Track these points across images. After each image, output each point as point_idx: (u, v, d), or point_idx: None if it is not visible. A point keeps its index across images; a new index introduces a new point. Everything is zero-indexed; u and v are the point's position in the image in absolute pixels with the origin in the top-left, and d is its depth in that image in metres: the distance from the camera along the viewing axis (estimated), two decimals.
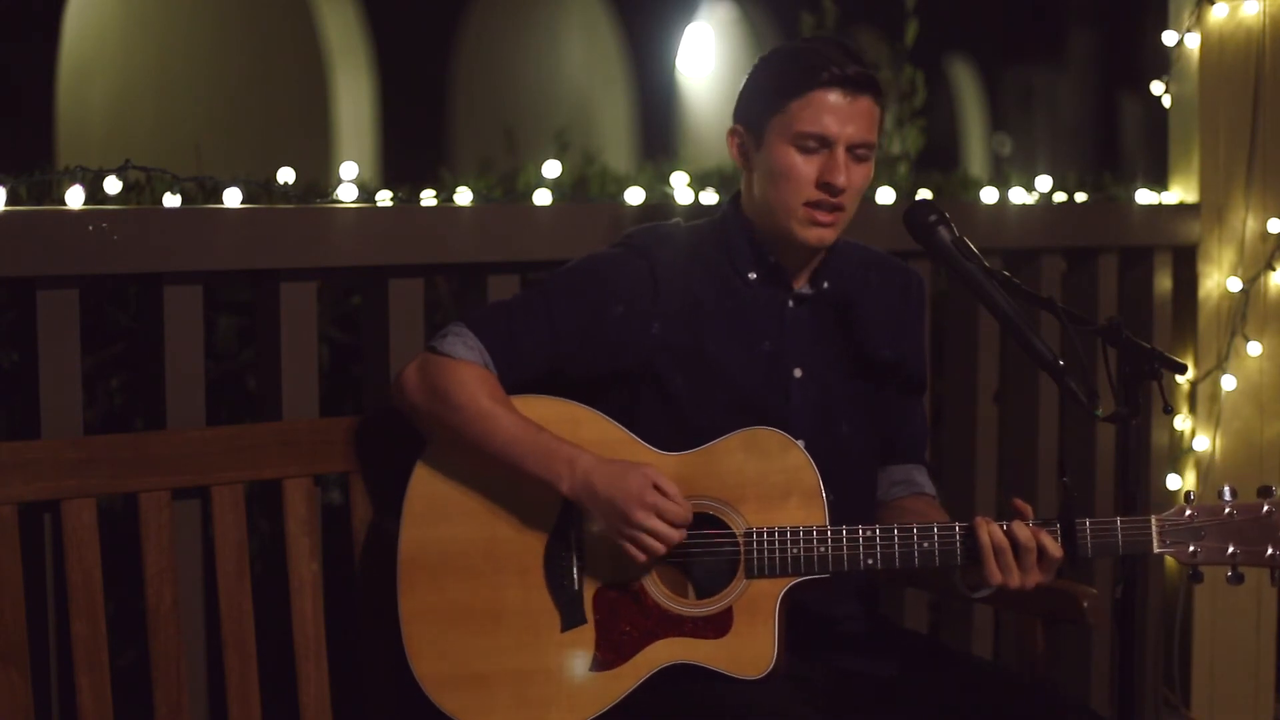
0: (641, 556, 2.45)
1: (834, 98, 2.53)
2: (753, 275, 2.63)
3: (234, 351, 3.44)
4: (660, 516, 2.43)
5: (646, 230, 2.67)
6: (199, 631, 2.68)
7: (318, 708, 2.66)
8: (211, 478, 2.60)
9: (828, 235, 2.57)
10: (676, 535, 2.44)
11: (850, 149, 2.54)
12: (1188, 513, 2.45)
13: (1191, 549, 2.45)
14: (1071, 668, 3.81)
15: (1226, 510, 2.45)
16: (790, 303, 2.64)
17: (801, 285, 2.65)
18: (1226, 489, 2.46)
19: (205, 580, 2.68)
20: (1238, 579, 2.47)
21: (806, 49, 2.59)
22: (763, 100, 2.58)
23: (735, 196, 2.68)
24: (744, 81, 2.65)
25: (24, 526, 2.49)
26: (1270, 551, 2.45)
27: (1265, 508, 2.45)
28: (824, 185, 2.53)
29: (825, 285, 2.66)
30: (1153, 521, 2.44)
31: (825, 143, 2.54)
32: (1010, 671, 2.75)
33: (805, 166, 2.54)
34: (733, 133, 2.64)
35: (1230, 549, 2.45)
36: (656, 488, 2.44)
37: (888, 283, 2.73)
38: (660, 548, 2.44)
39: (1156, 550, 2.44)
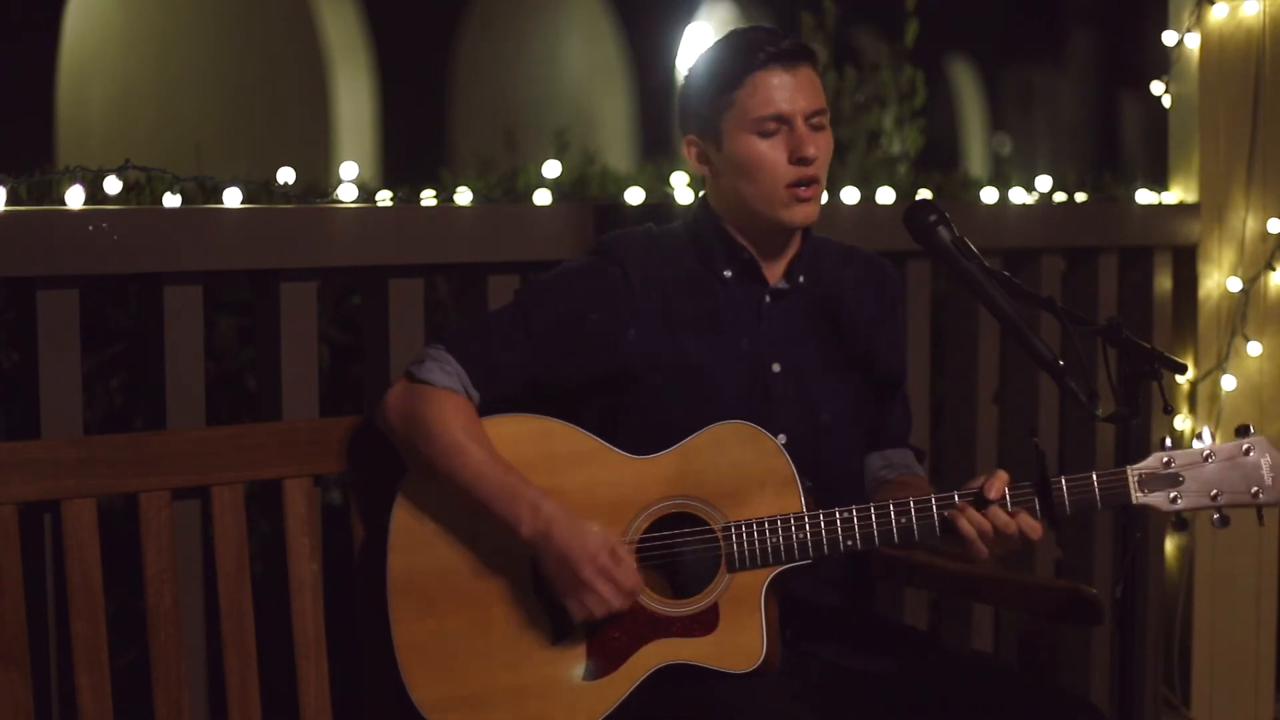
0: (581, 615, 2.45)
1: (776, 75, 2.55)
2: (728, 273, 2.63)
3: (234, 351, 3.44)
4: (610, 581, 2.44)
5: (619, 236, 2.67)
6: (199, 631, 2.68)
7: (318, 708, 2.66)
8: (211, 478, 2.60)
9: (812, 210, 2.58)
10: (620, 603, 2.45)
11: (806, 120, 2.55)
12: (1164, 459, 2.42)
13: (1172, 495, 2.42)
14: (1072, 667, 3.81)
15: (1204, 453, 2.42)
16: (766, 298, 2.64)
17: (777, 281, 2.65)
18: (1206, 431, 2.44)
19: (205, 580, 2.68)
20: (1223, 521, 2.42)
21: (733, 42, 2.61)
22: (707, 102, 2.59)
23: (704, 196, 2.69)
24: (680, 95, 2.66)
25: (24, 526, 2.49)
26: (1253, 490, 2.41)
27: (1244, 446, 2.42)
28: (798, 160, 2.54)
29: (801, 279, 2.66)
30: (1129, 471, 2.42)
31: (783, 120, 2.55)
32: (1009, 666, 2.75)
33: (773, 150, 2.55)
34: (689, 144, 2.64)
35: (1212, 492, 2.41)
36: (612, 554, 2.44)
37: (864, 275, 2.74)
38: (600, 610, 2.44)
39: (1136, 500, 2.41)
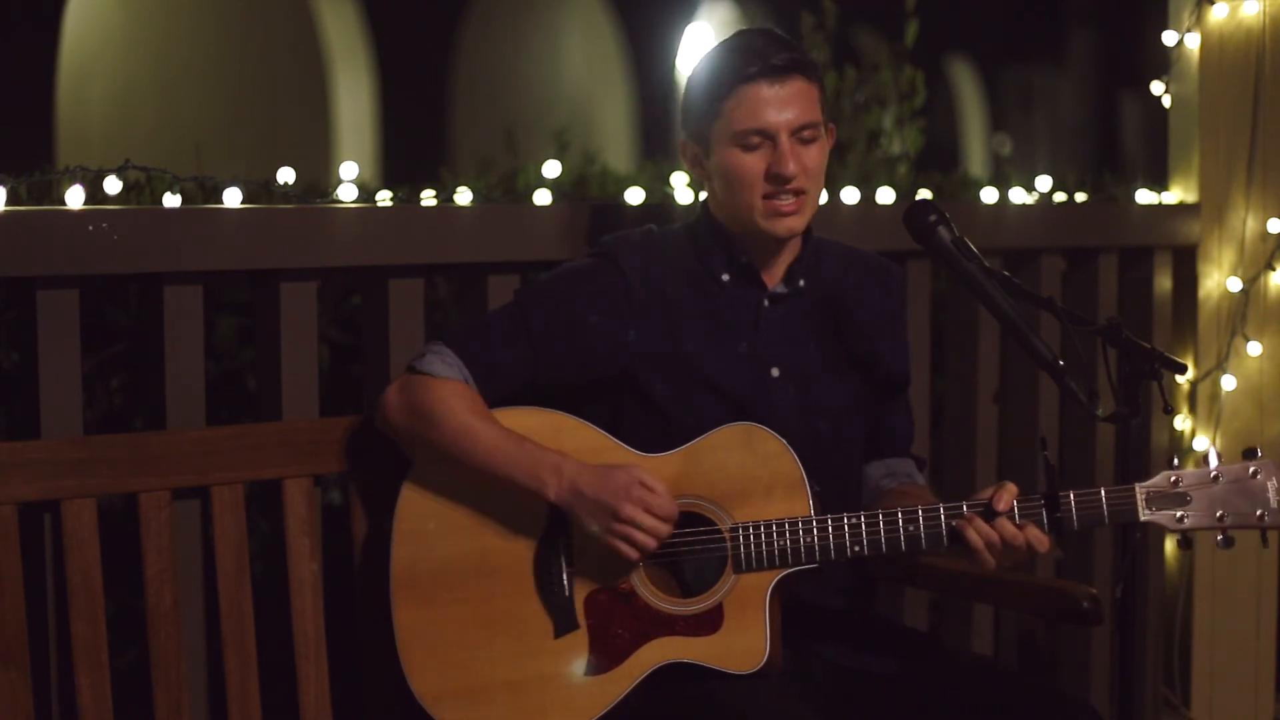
0: (634, 553, 2.46)
1: (763, 89, 2.53)
2: (726, 277, 2.63)
3: (234, 351, 3.44)
4: (648, 511, 2.44)
5: (618, 238, 2.67)
6: (199, 631, 2.68)
7: (318, 708, 2.66)
8: (211, 478, 2.60)
9: (795, 223, 2.57)
10: (665, 529, 2.45)
11: (794, 133, 2.54)
12: (1172, 478, 2.44)
13: (1178, 515, 2.43)
14: (1071, 668, 3.81)
15: (1212, 474, 2.43)
16: (766, 302, 2.64)
17: (776, 285, 2.65)
18: (1212, 452, 2.46)
19: (205, 580, 2.68)
20: (1228, 543, 2.44)
21: (729, 48, 2.59)
22: (700, 110, 2.59)
23: (705, 199, 2.68)
24: (682, 96, 2.65)
25: (24, 526, 2.49)
26: (1259, 513, 2.42)
27: (1251, 469, 2.43)
28: (773, 177, 2.53)
29: (801, 283, 2.66)
30: (1137, 489, 2.43)
31: (766, 135, 2.53)
32: (1009, 668, 2.75)
33: (754, 163, 2.54)
34: (684, 147, 2.65)
35: (1218, 513, 2.42)
36: (643, 484, 2.45)
37: (868, 278, 2.73)
38: (651, 542, 2.45)
39: (1143, 518, 2.42)
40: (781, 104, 2.53)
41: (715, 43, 2.64)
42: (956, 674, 2.59)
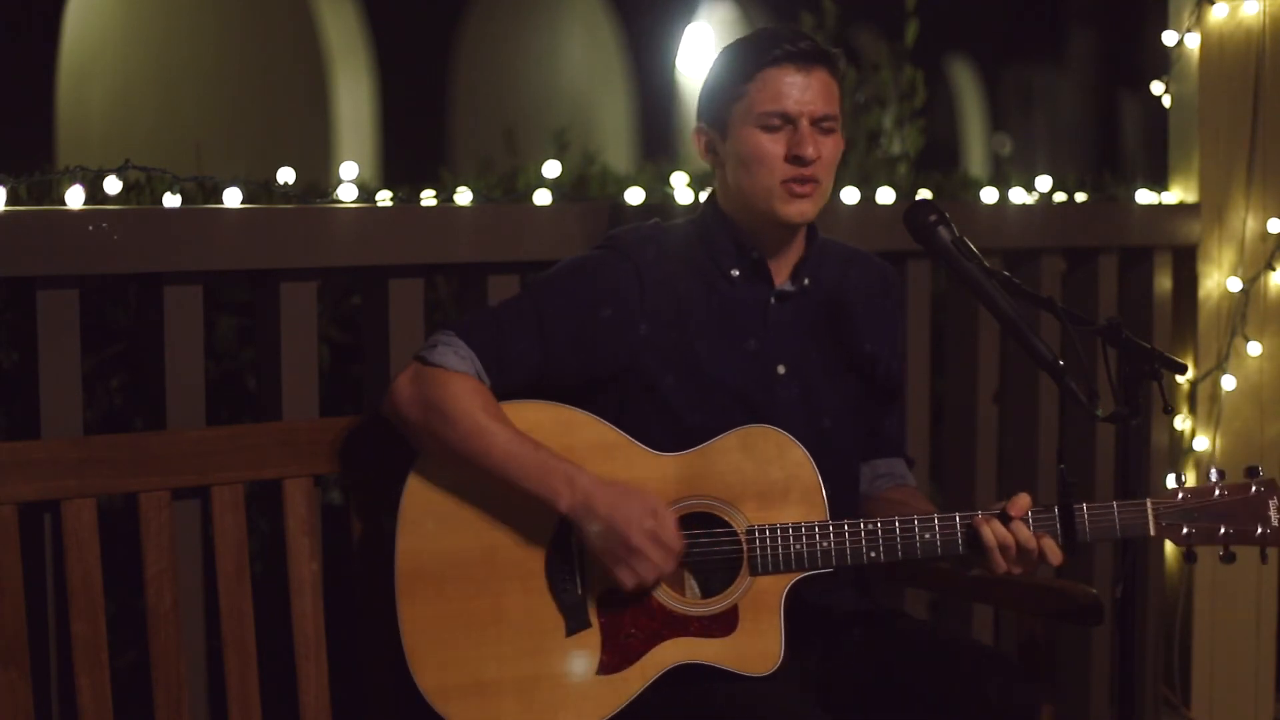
0: (632, 583, 2.45)
1: (788, 73, 2.55)
2: (735, 272, 2.63)
3: (234, 351, 3.44)
4: (657, 544, 2.44)
5: (629, 231, 2.67)
6: (199, 631, 2.68)
7: (318, 707, 2.66)
8: (211, 478, 2.60)
9: (808, 208, 2.58)
10: (670, 565, 2.45)
11: (815, 122, 2.56)
12: (1180, 495, 2.51)
13: (1185, 530, 2.51)
14: (1071, 667, 3.81)
15: (1216, 492, 2.51)
16: (773, 300, 2.64)
17: (783, 282, 2.65)
18: (1214, 471, 2.53)
19: (205, 580, 2.68)
20: (1230, 558, 2.53)
21: (755, 35, 2.63)
22: (721, 92, 2.61)
23: (713, 195, 2.69)
24: (702, 82, 2.67)
25: (24, 526, 2.49)
26: (1259, 530, 2.51)
27: (1253, 488, 2.52)
28: (794, 159, 2.55)
29: (806, 282, 2.66)
30: (1148, 505, 2.49)
31: (788, 119, 2.55)
32: (976, 642, 2.77)
33: (773, 145, 2.56)
34: (698, 132, 2.66)
35: (1222, 529, 2.51)
36: (655, 515, 2.44)
37: (867, 279, 2.74)
38: (652, 577, 2.45)
39: (1153, 533, 2.49)
40: (805, 90, 2.55)
41: (722, 41, 2.65)
42: (953, 655, 2.61)
